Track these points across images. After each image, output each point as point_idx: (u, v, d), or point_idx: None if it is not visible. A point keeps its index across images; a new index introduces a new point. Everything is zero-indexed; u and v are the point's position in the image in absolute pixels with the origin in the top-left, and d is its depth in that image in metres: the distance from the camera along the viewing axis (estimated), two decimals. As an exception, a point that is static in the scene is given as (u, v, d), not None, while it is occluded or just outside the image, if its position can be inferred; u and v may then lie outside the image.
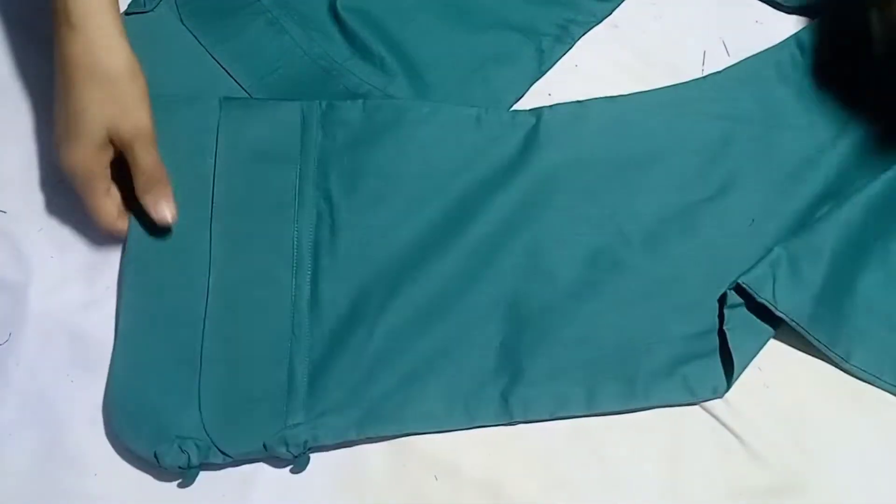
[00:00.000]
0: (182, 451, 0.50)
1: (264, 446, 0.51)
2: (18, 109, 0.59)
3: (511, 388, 0.53)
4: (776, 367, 0.55)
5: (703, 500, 0.52)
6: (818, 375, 0.55)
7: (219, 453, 0.51)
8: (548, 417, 0.53)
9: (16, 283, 0.55)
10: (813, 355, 0.56)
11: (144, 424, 0.51)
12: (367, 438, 0.52)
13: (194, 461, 0.50)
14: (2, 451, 0.52)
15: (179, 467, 0.50)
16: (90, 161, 0.52)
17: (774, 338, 0.56)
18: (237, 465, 0.52)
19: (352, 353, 0.54)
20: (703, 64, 0.65)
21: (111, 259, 0.56)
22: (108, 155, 0.53)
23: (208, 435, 0.51)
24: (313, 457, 0.52)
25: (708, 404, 0.54)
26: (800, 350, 0.56)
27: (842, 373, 0.55)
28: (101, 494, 0.51)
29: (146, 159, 0.53)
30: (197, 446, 0.50)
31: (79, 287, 0.55)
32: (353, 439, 0.52)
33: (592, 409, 0.53)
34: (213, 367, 0.53)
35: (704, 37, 0.65)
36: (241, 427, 0.52)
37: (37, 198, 0.57)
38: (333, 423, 0.52)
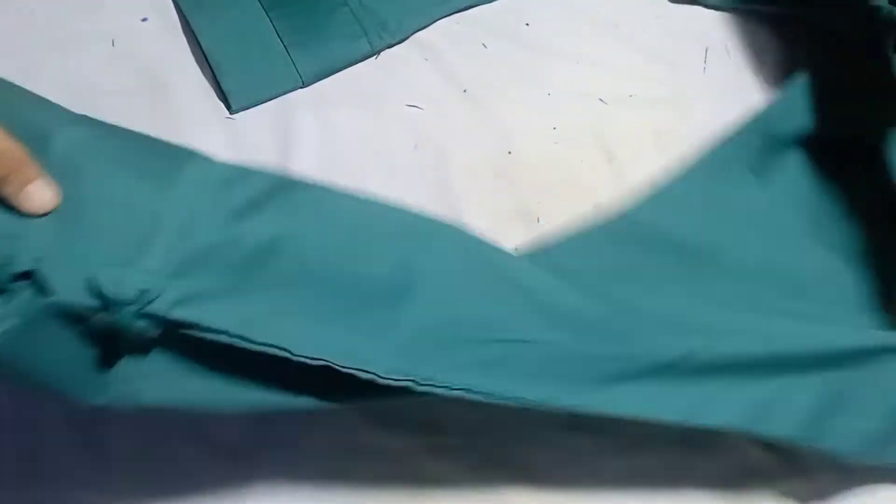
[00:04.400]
0: None
1: None
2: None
3: None
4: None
5: (704, 500, 0.53)
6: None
7: None
8: None
9: (16, 282, 0.55)
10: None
11: None
12: None
13: None
14: (2, 451, 0.52)
15: None
16: None
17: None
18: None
19: None
20: (705, 62, 0.65)
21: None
22: None
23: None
24: (311, 455, 0.53)
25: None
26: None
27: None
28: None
29: None
30: None
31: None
32: None
33: None
34: None
35: (705, 36, 0.65)
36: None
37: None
38: None
